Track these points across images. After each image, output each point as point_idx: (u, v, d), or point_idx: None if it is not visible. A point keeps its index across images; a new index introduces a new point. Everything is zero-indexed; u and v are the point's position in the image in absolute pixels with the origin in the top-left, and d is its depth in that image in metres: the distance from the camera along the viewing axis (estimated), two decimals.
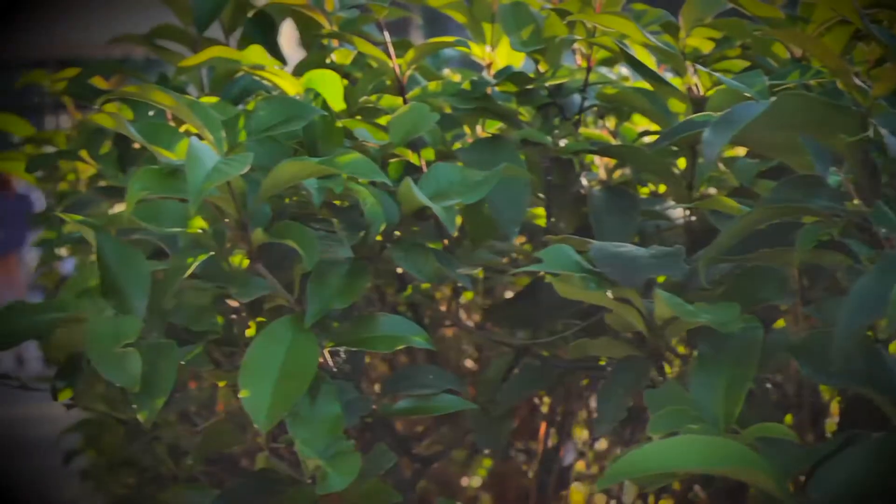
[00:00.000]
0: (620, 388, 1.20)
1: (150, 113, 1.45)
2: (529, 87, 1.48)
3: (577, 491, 2.03)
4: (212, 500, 1.29)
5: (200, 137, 1.19)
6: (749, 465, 0.88)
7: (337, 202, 1.33)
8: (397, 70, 1.46)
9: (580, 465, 2.04)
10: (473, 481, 2.14)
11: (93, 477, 3.19)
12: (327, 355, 1.27)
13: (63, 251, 2.14)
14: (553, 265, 1.14)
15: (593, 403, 1.84)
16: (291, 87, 1.48)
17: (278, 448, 1.34)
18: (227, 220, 1.22)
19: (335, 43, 1.62)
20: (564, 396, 1.78)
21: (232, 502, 1.27)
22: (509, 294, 1.82)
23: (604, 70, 1.70)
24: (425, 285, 1.53)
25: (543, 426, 1.81)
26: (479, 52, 1.66)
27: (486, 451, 1.86)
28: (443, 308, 1.73)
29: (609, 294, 1.17)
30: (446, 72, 1.88)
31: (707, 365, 1.08)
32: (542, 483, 1.76)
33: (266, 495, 1.26)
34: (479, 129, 1.63)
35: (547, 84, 1.49)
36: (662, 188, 1.69)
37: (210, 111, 1.17)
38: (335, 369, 1.28)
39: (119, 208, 1.81)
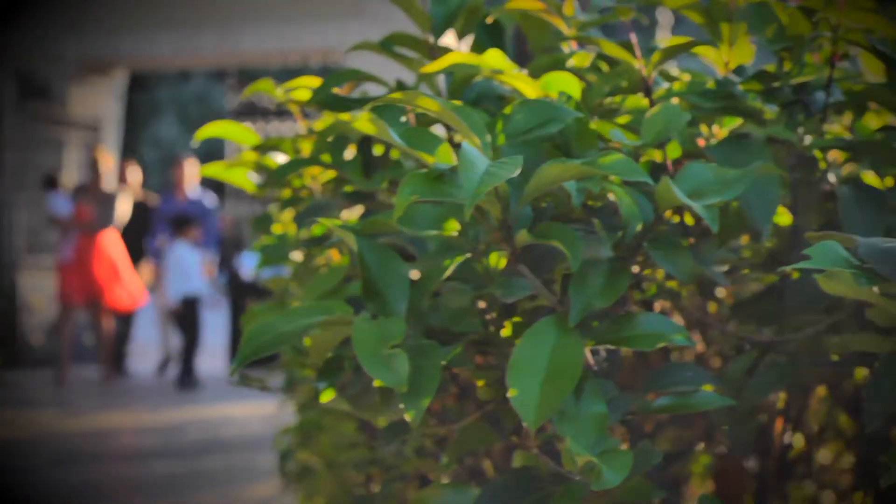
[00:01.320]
0: (889, 382, 1.21)
1: (402, 119, 1.50)
2: (775, 84, 1.50)
3: (799, 487, 2.04)
4: (470, 498, 1.34)
5: (453, 142, 1.24)
6: None
7: (590, 202, 1.37)
8: (643, 71, 1.50)
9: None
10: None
11: (305, 476, 3.29)
12: (588, 354, 1.31)
13: (295, 255, 2.22)
14: (822, 262, 1.16)
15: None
16: (531, 90, 1.53)
17: (528, 446, 1.38)
18: (487, 222, 1.27)
19: (573, 46, 1.65)
20: (802, 393, 1.79)
21: (493, 500, 1.31)
22: (745, 293, 1.84)
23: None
24: (671, 283, 1.56)
25: (779, 422, 1.82)
26: (706, 52, 1.68)
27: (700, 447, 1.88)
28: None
29: (875, 289, 1.18)
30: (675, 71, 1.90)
31: None
32: (767, 478, 1.77)
33: (528, 492, 1.30)
34: (715, 128, 1.66)
35: (792, 82, 1.51)
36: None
37: (475, 115, 1.21)
38: (595, 368, 1.32)
39: (351, 214, 1.88)
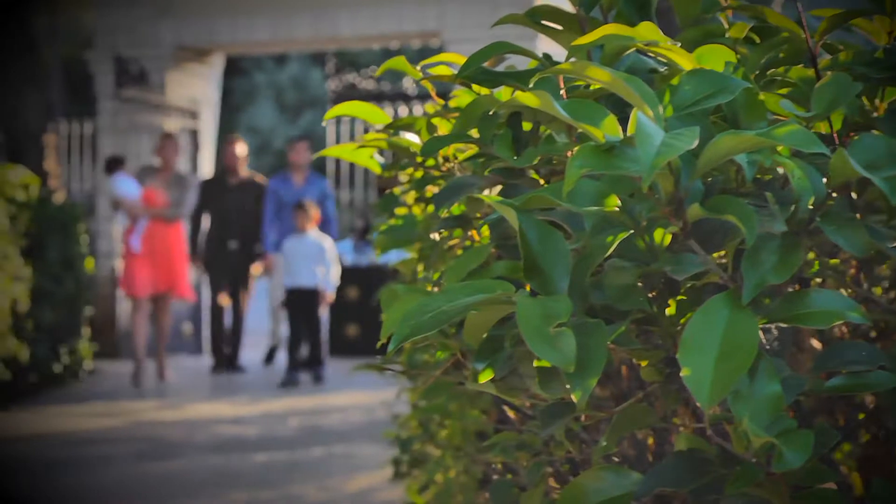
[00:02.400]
0: None
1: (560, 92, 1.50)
2: None
3: None
4: (631, 483, 1.34)
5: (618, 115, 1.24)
6: None
7: (757, 175, 1.36)
8: (810, 41, 1.48)
9: None
10: None
11: (419, 465, 3.30)
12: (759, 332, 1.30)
13: (425, 236, 2.22)
14: None
15: None
16: (687, 62, 1.51)
17: (691, 427, 1.37)
18: (655, 196, 1.26)
19: (729, 15, 1.64)
20: None
21: (659, 483, 1.31)
22: None
23: None
24: (834, 260, 1.55)
25: None
26: (861, 23, 1.66)
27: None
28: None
29: None
30: None
31: None
32: None
33: (696, 475, 1.30)
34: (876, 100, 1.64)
35: None
36: None
37: (646, 87, 1.21)
38: (767, 346, 1.31)
39: (491, 191, 1.88)
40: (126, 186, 11.64)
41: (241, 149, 12.61)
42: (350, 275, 13.61)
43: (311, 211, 11.60)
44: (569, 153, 1.54)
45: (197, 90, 14.54)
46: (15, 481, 7.20)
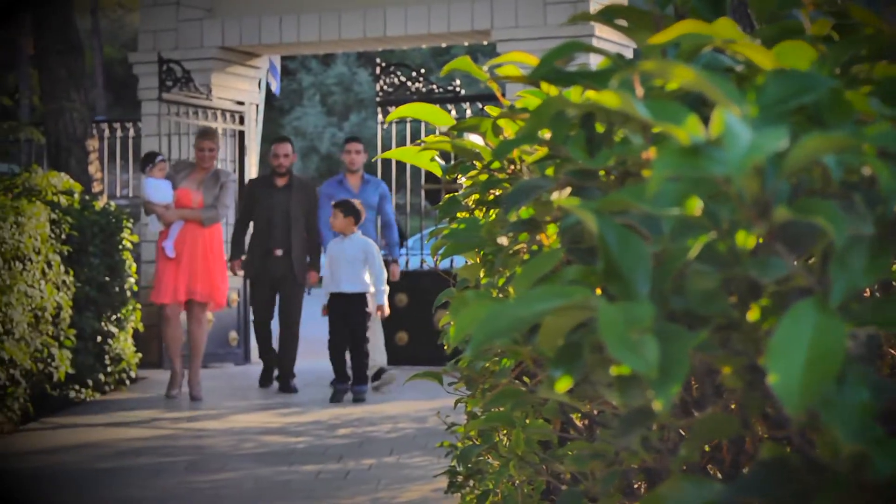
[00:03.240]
0: None
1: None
2: None
3: None
4: (712, 493, 1.34)
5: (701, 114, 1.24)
6: None
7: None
8: None
9: None
10: None
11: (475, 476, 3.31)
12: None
13: (503, 240, 2.23)
14: None
15: None
16: (766, 60, 1.51)
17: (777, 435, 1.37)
18: (739, 198, 1.26)
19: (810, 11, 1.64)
20: None
21: (743, 493, 1.31)
22: None
23: None
24: None
25: None
26: None
27: None
28: None
29: None
30: None
31: None
32: None
33: (781, 485, 1.30)
34: None
35: None
36: None
37: (733, 85, 1.21)
38: (854, 352, 1.30)
39: (560, 194, 1.88)
40: (156, 189, 11.15)
41: (288, 149, 12.08)
42: (398, 281, 13.57)
43: (359, 213, 10.95)
44: (644, 155, 1.54)
45: (242, 92, 14.62)
46: (61, 492, 7.26)
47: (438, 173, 2.53)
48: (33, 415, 9.80)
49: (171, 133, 13.58)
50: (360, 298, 10.98)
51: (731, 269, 1.32)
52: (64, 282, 10.44)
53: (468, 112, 13.47)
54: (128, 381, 11.71)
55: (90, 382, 11.01)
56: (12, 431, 9.39)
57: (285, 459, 8.20)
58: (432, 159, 2.49)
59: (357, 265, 10.90)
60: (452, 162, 2.49)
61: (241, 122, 14.39)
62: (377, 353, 11.77)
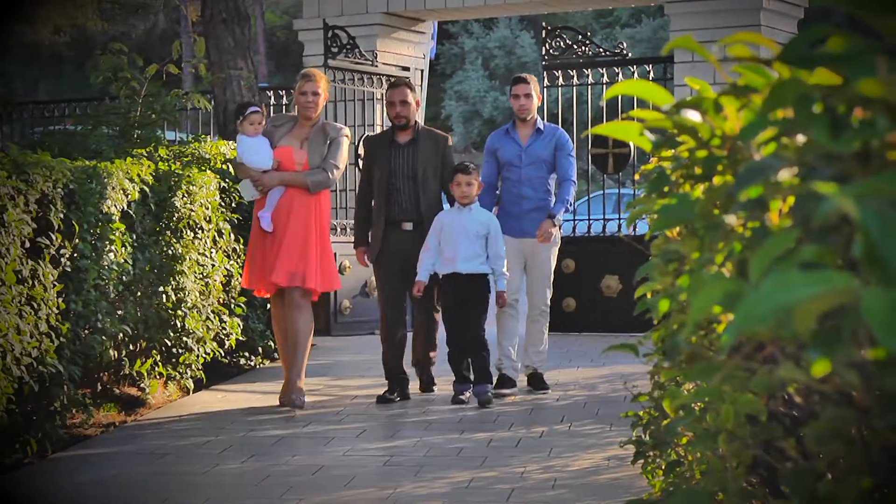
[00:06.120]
0: None
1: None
2: None
3: None
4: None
5: None
6: None
7: None
8: None
9: None
10: None
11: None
12: None
13: (731, 219, 2.26)
14: None
15: None
16: None
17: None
18: None
19: None
20: None
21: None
22: None
23: None
24: None
25: None
26: None
27: None
28: None
29: None
30: None
31: None
32: None
33: None
34: None
35: None
36: None
37: None
38: None
39: (787, 175, 1.91)
40: (252, 149, 9.02)
41: (406, 94, 9.58)
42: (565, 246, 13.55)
43: (473, 177, 9.14)
44: (890, 137, 1.56)
45: (406, 58, 14.72)
46: (226, 461, 7.42)
47: (648, 148, 2.56)
48: (205, 382, 10.05)
49: (336, 100, 13.67)
50: (482, 281, 9.24)
51: None
52: (234, 250, 10.66)
53: (635, 75, 13.41)
54: None
55: (260, 350, 11.23)
56: (184, 398, 9.65)
57: (456, 427, 8.28)
58: (642, 133, 2.52)
59: (478, 242, 9.13)
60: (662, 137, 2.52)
61: None
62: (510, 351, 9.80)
